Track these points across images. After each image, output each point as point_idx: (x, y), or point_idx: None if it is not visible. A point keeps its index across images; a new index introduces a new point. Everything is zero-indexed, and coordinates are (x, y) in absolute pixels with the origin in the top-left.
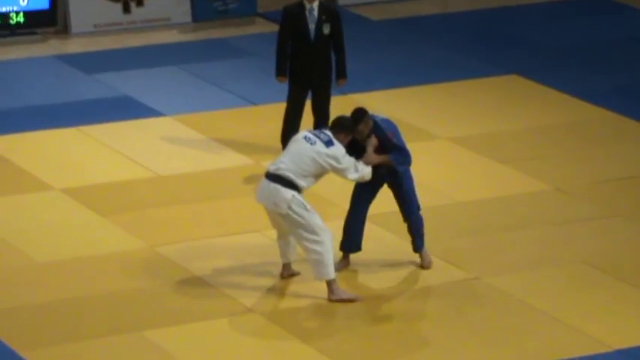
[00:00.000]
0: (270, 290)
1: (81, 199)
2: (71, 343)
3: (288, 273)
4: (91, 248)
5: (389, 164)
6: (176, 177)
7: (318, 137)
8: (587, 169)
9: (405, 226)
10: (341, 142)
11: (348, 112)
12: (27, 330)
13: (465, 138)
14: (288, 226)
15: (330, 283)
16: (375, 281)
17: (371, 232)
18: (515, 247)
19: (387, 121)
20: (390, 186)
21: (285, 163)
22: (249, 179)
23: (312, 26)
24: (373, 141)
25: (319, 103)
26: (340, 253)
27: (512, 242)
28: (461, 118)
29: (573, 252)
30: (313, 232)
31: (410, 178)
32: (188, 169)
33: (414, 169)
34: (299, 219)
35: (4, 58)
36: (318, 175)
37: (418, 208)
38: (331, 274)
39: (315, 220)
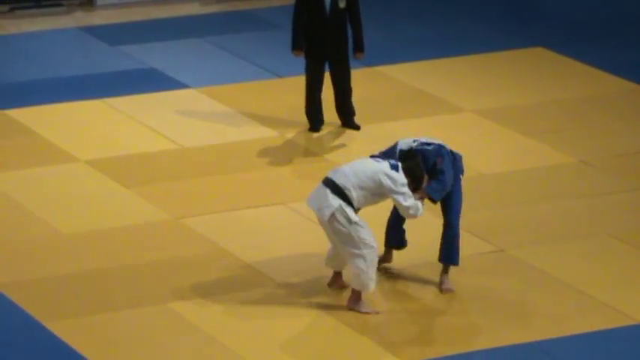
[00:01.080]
0: (296, 262)
1: (106, 171)
2: (95, 314)
3: (337, 285)
4: (115, 220)
5: (426, 197)
6: (201, 149)
7: (387, 160)
8: (611, 141)
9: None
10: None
11: (371, 84)
12: (52, 301)
13: (489, 110)
14: (332, 235)
15: (359, 293)
16: (399, 253)
17: None
18: (540, 220)
19: (440, 147)
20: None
21: (344, 171)
22: (274, 151)
23: (327, 0)
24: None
25: (337, 76)
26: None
27: (536, 215)
28: (485, 91)
29: (598, 225)
30: (355, 245)
31: (460, 189)
32: (212, 141)
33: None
34: (342, 229)
35: (29, 30)
36: (374, 193)
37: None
38: (369, 288)
39: (360, 233)
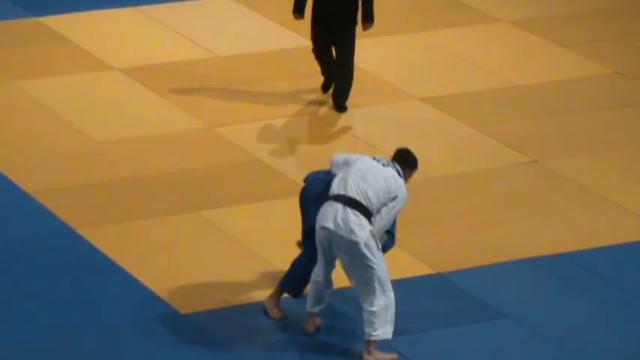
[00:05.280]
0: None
1: (140, 79)
2: (129, 221)
3: (313, 326)
4: (149, 128)
5: None
6: (235, 57)
7: (389, 164)
8: None
9: None
10: (405, 178)
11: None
12: (85, 208)
13: (526, 20)
14: (350, 265)
15: (374, 343)
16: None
17: None
18: (576, 131)
19: None
20: None
21: (362, 187)
22: (309, 60)
23: None
24: None
25: (340, 49)
26: None
27: (572, 126)
28: (522, 1)
29: (634, 136)
30: (381, 280)
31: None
32: (247, 50)
33: (476, 52)
34: (371, 258)
35: None
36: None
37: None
38: (389, 334)
39: (385, 265)
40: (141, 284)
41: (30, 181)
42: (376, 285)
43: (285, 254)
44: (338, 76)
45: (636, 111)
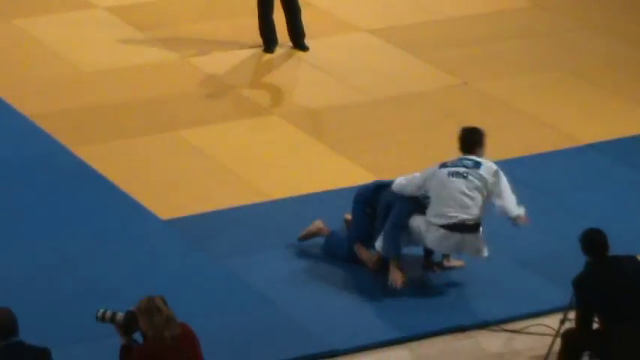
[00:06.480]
0: (288, 93)
1: (122, 17)
2: (115, 140)
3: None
4: (131, 59)
5: None
6: None
7: (465, 166)
8: None
9: None
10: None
11: None
12: (77, 129)
13: None
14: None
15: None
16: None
17: None
18: (501, 57)
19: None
20: None
21: (469, 207)
22: None
23: None
24: None
25: None
26: None
27: (497, 52)
28: None
29: (553, 61)
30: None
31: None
32: None
33: None
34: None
35: None
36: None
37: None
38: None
39: None
40: (125, 194)
41: (27, 106)
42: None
43: (250, 165)
44: (291, 19)
45: (554, 39)
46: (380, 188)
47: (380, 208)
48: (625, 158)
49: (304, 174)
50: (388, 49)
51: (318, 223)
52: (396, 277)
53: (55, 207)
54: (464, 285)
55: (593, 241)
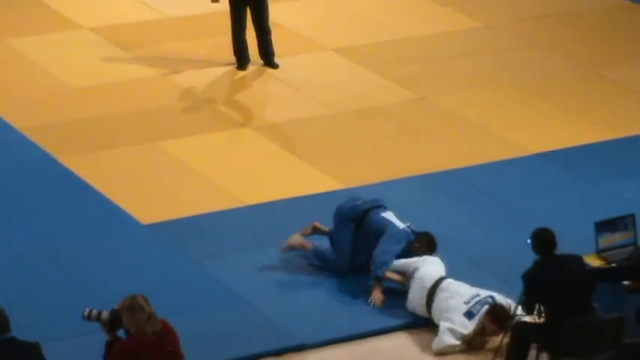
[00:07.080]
0: (260, 107)
1: (107, 37)
2: (100, 150)
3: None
4: (115, 76)
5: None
6: (183, 18)
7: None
8: (510, 7)
9: None
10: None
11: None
12: (65, 140)
13: None
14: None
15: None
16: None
17: None
18: (456, 73)
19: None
20: None
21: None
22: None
23: None
24: None
25: (257, 15)
26: None
27: (452, 69)
28: None
29: (502, 76)
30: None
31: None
32: (193, 12)
33: (375, 10)
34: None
35: None
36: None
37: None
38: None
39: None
40: (109, 200)
41: (17, 119)
42: None
43: (229, 176)
44: (262, 39)
45: (503, 57)
46: (367, 212)
47: (371, 232)
48: (571, 166)
49: (275, 182)
50: (352, 66)
51: (298, 239)
52: (376, 298)
53: (43, 212)
54: None
55: (542, 239)
